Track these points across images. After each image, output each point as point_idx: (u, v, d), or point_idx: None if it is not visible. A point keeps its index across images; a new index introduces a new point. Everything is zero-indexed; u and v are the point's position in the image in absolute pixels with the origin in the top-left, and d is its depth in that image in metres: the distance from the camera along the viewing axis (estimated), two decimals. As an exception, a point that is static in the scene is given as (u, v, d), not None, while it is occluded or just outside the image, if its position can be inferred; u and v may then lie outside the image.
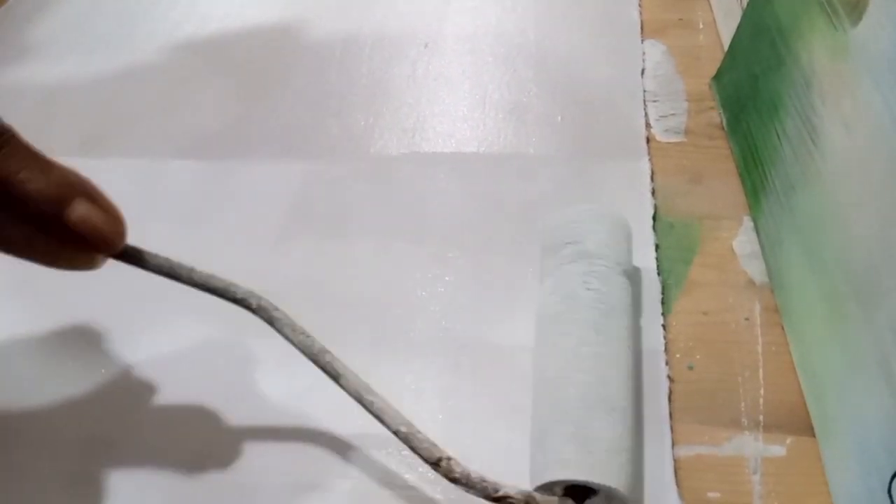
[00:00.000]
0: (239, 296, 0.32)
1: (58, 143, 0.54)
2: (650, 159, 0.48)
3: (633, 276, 0.40)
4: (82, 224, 0.29)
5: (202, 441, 0.37)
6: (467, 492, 0.30)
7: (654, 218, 0.44)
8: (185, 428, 0.37)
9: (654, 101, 0.52)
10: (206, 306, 0.42)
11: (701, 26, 0.58)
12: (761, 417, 0.36)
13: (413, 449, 0.30)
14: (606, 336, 0.34)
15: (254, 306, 0.32)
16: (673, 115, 0.51)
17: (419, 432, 0.31)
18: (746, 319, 0.39)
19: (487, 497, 0.30)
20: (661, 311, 0.40)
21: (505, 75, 0.56)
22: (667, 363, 0.38)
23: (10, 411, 0.39)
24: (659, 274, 0.41)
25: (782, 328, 0.39)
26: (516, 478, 0.34)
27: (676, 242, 0.43)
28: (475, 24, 0.61)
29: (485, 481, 0.30)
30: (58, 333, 0.42)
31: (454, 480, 0.30)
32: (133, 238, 0.47)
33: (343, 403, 0.38)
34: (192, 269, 0.32)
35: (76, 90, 0.58)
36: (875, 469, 0.29)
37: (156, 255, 0.32)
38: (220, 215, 0.47)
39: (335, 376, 0.32)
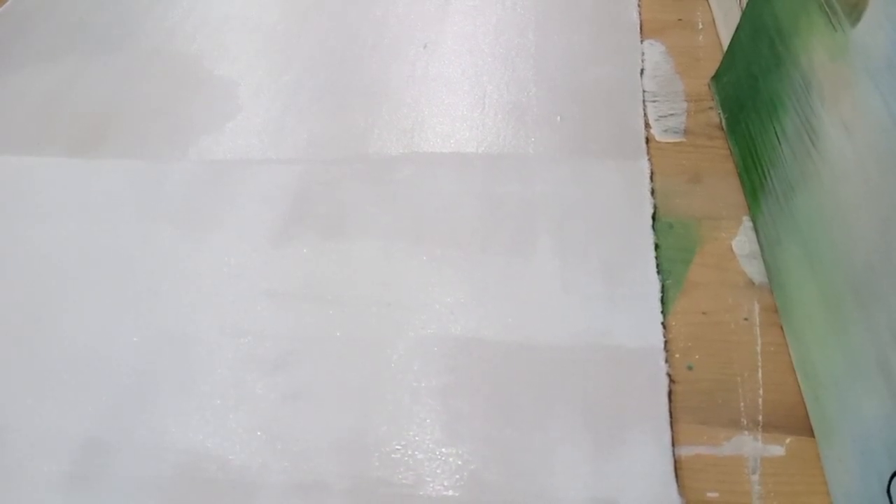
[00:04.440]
0: None
1: (58, 143, 0.54)
2: (649, 159, 0.48)
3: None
4: None
5: (201, 441, 0.37)
6: None
7: (654, 218, 0.44)
8: (184, 428, 0.37)
9: (654, 102, 0.52)
10: (205, 306, 0.42)
11: (700, 26, 0.58)
12: (760, 417, 0.36)
13: None
14: None
15: None
16: (672, 115, 0.51)
17: None
18: (745, 319, 0.40)
19: None
20: (660, 310, 0.40)
21: (504, 75, 0.56)
22: (666, 363, 0.38)
23: (6, 410, 0.39)
24: (658, 274, 0.42)
25: (781, 328, 0.39)
26: (517, 476, 0.34)
27: (676, 242, 0.43)
28: (475, 25, 0.61)
29: None
30: (55, 331, 0.42)
31: None
32: (133, 238, 0.47)
33: (342, 403, 0.38)
34: None
35: (76, 91, 0.58)
36: (874, 469, 0.29)
37: None
38: (220, 215, 0.47)
39: None
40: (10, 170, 0.52)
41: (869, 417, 0.30)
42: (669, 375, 0.37)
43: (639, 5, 0.61)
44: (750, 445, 0.35)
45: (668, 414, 0.36)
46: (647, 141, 0.49)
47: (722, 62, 0.52)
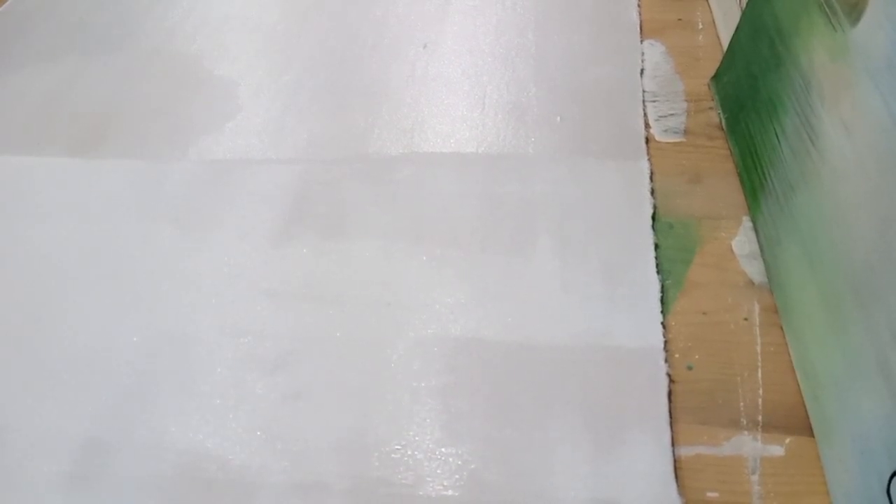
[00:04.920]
0: None
1: (58, 143, 0.54)
2: (649, 159, 0.48)
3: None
4: None
5: (201, 441, 0.37)
6: None
7: (654, 218, 0.44)
8: (184, 428, 0.37)
9: (654, 102, 0.52)
10: (205, 306, 0.42)
11: (700, 26, 0.58)
12: (760, 417, 0.36)
13: None
14: None
15: None
16: (672, 115, 0.51)
17: None
18: (745, 319, 0.40)
19: None
20: (660, 310, 0.40)
21: (504, 75, 0.56)
22: (666, 362, 0.38)
23: (6, 410, 0.39)
24: (658, 274, 0.42)
25: (781, 328, 0.39)
26: (517, 476, 0.34)
27: (676, 242, 0.43)
28: (475, 25, 0.61)
29: None
30: (55, 331, 0.42)
31: None
32: (133, 238, 0.47)
33: (342, 403, 0.38)
34: None
35: (76, 90, 0.58)
36: (874, 468, 0.29)
37: None
38: (220, 215, 0.47)
39: None
40: (10, 170, 0.52)
41: (869, 417, 0.30)
42: (669, 375, 0.37)
43: (639, 5, 0.61)
44: (750, 445, 0.35)
45: (667, 414, 0.36)
46: (647, 141, 0.49)
47: (722, 62, 0.52)
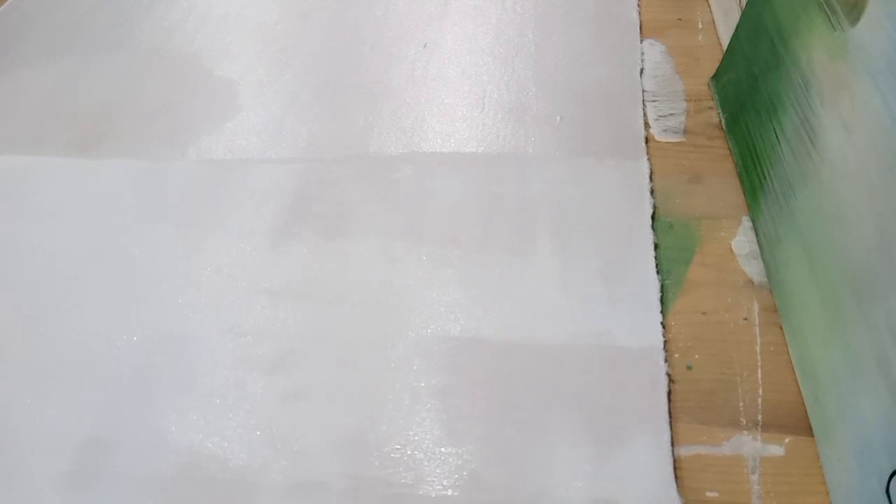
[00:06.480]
0: None
1: (58, 143, 0.54)
2: (649, 159, 0.48)
3: None
4: None
5: (201, 441, 0.37)
6: None
7: (653, 218, 0.44)
8: (184, 427, 0.37)
9: (653, 101, 0.52)
10: (205, 305, 0.43)
11: (700, 26, 0.58)
12: (760, 417, 0.36)
13: None
14: None
15: None
16: (672, 114, 0.51)
17: None
18: (745, 319, 0.40)
19: None
20: (660, 310, 0.40)
21: (504, 75, 0.56)
22: (666, 362, 0.38)
23: (6, 410, 0.39)
24: (658, 273, 0.42)
25: (781, 328, 0.39)
26: (517, 476, 0.34)
27: (675, 242, 0.43)
28: (475, 24, 0.61)
29: None
30: (55, 331, 0.42)
31: None
32: (133, 238, 0.47)
33: (342, 403, 0.38)
34: None
35: (76, 90, 0.58)
36: (874, 468, 0.29)
37: None
38: (219, 215, 0.47)
39: None
40: (10, 169, 0.52)
41: (868, 417, 0.30)
42: (669, 375, 0.37)
43: (639, 5, 0.61)
44: (749, 445, 0.35)
45: (667, 414, 0.36)
46: (647, 141, 0.49)
47: (722, 62, 0.52)
